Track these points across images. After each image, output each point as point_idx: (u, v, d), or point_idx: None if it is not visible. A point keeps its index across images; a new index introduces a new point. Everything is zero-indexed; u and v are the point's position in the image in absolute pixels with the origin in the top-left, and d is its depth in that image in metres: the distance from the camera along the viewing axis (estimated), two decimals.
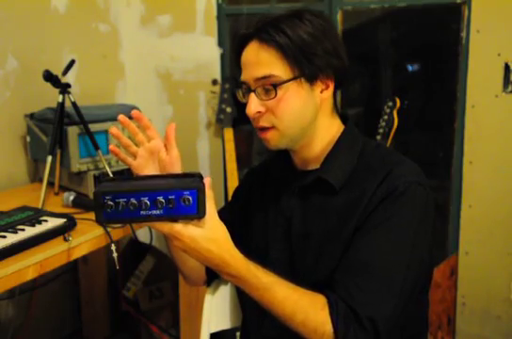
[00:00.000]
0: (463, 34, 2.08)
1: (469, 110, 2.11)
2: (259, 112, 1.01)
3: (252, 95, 1.01)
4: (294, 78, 0.99)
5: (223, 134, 2.36)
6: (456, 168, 2.18)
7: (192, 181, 0.84)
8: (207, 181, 0.84)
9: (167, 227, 0.83)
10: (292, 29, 0.98)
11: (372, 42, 3.01)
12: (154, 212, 0.81)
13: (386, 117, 2.08)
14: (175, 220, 0.83)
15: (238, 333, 1.33)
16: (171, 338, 2.22)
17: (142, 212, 0.81)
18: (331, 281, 0.97)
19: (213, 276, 1.24)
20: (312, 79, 1.00)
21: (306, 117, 1.03)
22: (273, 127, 1.02)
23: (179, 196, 0.81)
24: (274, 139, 1.03)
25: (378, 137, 2.08)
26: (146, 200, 0.81)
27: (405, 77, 3.13)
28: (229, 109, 2.35)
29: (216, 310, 1.27)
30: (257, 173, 1.25)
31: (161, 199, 0.81)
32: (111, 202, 0.80)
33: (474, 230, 2.16)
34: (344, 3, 2.27)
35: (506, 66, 2.01)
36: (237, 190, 1.29)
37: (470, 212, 2.16)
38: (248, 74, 1.01)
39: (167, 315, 2.31)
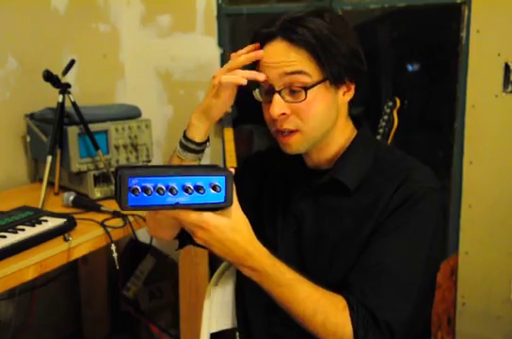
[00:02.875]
0: (463, 34, 2.08)
1: (469, 110, 2.11)
2: (283, 114, 0.97)
3: (277, 96, 0.97)
4: (323, 80, 0.97)
5: (223, 134, 2.35)
6: (456, 168, 2.18)
7: (218, 169, 0.81)
8: (231, 171, 0.82)
9: (193, 216, 0.81)
10: (318, 28, 0.95)
11: (372, 42, 3.01)
12: (182, 199, 0.77)
13: (386, 117, 2.08)
14: (201, 210, 0.80)
15: (238, 333, 1.32)
16: (171, 338, 2.22)
17: (169, 199, 0.77)
18: (345, 284, 0.96)
19: (183, 241, 1.18)
20: (337, 81, 0.98)
21: (330, 120, 1.01)
22: (297, 131, 0.99)
23: (208, 183, 0.78)
24: (296, 144, 1.00)
25: (378, 138, 2.08)
26: (174, 185, 0.76)
27: (405, 77, 3.13)
28: (229, 109, 2.34)
29: (216, 310, 1.27)
30: (261, 167, 1.20)
31: (190, 184, 0.77)
32: (137, 186, 0.75)
33: (474, 230, 2.16)
34: (343, 3, 2.26)
35: (506, 66, 2.01)
36: (239, 181, 1.26)
37: (470, 212, 2.16)
38: (273, 72, 0.97)
39: (167, 315, 2.31)
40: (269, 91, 0.99)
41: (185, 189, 0.77)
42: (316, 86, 0.96)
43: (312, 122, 0.98)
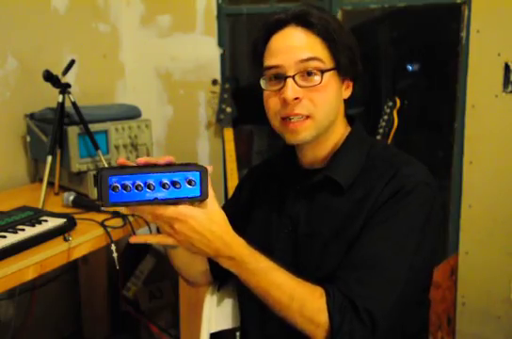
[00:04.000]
0: (463, 34, 2.08)
1: (469, 110, 2.11)
2: (297, 98, 0.98)
3: (290, 80, 0.98)
4: (334, 68, 0.99)
5: (223, 134, 2.36)
6: (456, 168, 2.18)
7: (193, 165, 0.86)
8: (209, 168, 0.86)
9: (170, 209, 0.85)
10: (330, 20, 0.99)
11: (372, 42, 3.01)
12: (160, 195, 0.83)
13: (386, 117, 2.09)
14: (178, 204, 0.85)
15: (238, 333, 1.33)
16: (171, 338, 2.22)
17: (148, 195, 0.83)
18: (333, 277, 0.96)
19: (220, 274, 1.23)
20: (343, 74, 1.02)
21: (336, 110, 1.03)
22: (308, 117, 0.99)
23: (184, 178, 0.84)
24: (307, 130, 1.00)
25: (378, 137, 2.08)
26: (152, 181, 0.82)
27: (405, 77, 3.13)
28: (229, 109, 2.35)
29: (216, 310, 1.27)
30: (260, 171, 1.24)
31: (166, 180, 0.83)
32: (117, 184, 0.81)
33: (474, 230, 2.16)
34: (343, 3, 2.26)
35: (506, 66, 2.01)
36: (239, 187, 1.28)
37: (470, 212, 2.16)
38: (287, 57, 0.98)
39: (167, 315, 2.31)
40: (278, 78, 1.00)
41: (163, 185, 0.83)
42: (330, 71, 0.99)
43: (324, 107, 0.99)
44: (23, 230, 1.27)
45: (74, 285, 2.32)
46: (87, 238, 1.38)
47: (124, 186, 0.81)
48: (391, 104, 2.09)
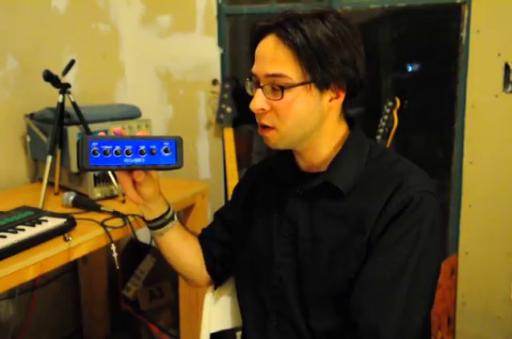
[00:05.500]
0: (463, 34, 2.08)
1: (469, 110, 2.11)
2: (262, 109, 0.98)
3: (259, 91, 0.98)
4: (304, 83, 0.95)
5: (223, 134, 2.36)
6: (456, 168, 2.18)
7: (170, 136, 0.93)
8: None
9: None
10: (312, 30, 0.93)
11: (372, 42, 3.01)
12: (137, 160, 0.90)
13: (386, 117, 2.09)
14: (156, 169, 0.94)
15: (238, 333, 1.33)
16: (171, 338, 2.22)
17: (126, 160, 0.89)
18: (353, 305, 0.96)
19: (218, 274, 1.23)
20: (322, 87, 0.96)
21: (309, 123, 0.99)
22: (273, 128, 0.99)
23: (160, 146, 0.91)
24: (273, 139, 1.01)
25: (378, 137, 2.09)
26: (130, 147, 0.89)
27: (405, 77, 3.13)
28: (229, 109, 2.35)
29: (216, 310, 1.27)
30: (258, 172, 1.23)
31: (143, 147, 0.90)
32: (97, 148, 0.87)
33: (474, 230, 2.16)
34: (343, 3, 2.27)
35: (506, 66, 2.01)
36: (238, 189, 1.27)
37: (470, 212, 2.16)
38: (259, 68, 0.98)
39: (167, 315, 2.31)
40: (256, 85, 1.00)
41: (140, 151, 0.90)
42: (296, 87, 0.95)
43: (288, 122, 0.98)
44: (23, 230, 1.27)
45: (74, 285, 2.32)
46: (87, 238, 1.38)
47: (104, 151, 0.87)
48: (391, 104, 2.09)
